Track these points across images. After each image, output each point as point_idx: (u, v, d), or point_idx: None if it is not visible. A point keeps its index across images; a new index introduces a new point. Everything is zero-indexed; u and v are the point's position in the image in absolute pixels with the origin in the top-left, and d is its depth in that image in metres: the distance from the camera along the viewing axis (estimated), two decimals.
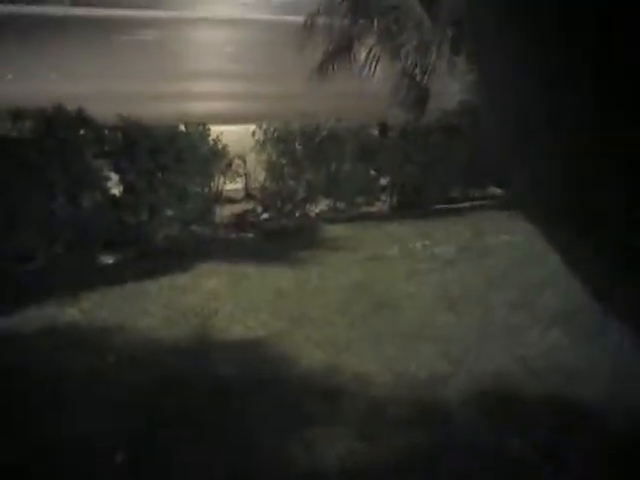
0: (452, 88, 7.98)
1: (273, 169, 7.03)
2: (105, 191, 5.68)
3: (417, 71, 7.66)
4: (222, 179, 6.93)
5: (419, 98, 8.10)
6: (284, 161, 7.05)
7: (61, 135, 5.38)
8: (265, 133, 6.93)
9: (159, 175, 6.02)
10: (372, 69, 7.82)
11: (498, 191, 8.76)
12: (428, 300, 5.06)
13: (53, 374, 3.51)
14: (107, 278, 5.02)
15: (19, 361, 3.68)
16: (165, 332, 4.23)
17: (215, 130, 6.82)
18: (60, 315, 4.36)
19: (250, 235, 6.68)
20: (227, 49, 17.15)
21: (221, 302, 4.83)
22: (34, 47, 12.35)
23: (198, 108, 10.18)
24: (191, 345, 4.10)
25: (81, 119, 5.64)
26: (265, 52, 14.50)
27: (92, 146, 5.68)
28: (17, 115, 5.25)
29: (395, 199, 7.98)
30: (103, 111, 5.90)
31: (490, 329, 4.58)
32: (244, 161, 7.40)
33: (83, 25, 15.61)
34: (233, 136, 7.33)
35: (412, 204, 7.88)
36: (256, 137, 6.92)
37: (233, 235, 6.58)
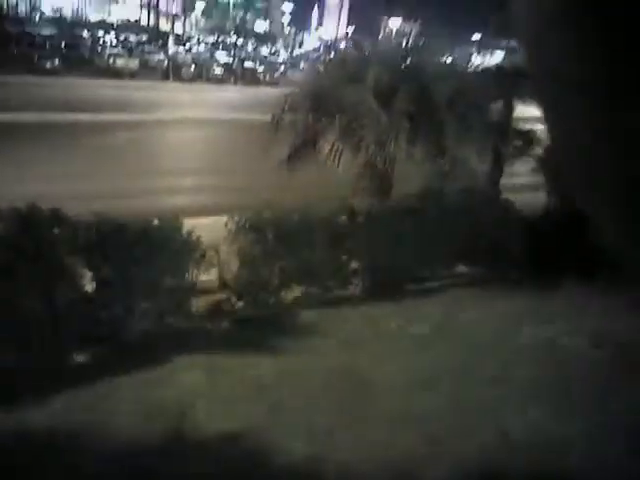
0: (414, 174, 8.43)
1: (246, 258, 7.13)
2: (79, 287, 5.66)
3: (378, 161, 8.09)
4: (196, 270, 6.98)
5: (383, 185, 8.50)
6: (256, 250, 7.18)
7: (35, 234, 5.43)
8: (237, 223, 7.10)
9: (133, 269, 6.04)
10: (336, 160, 8.22)
11: (465, 269, 9.02)
12: (406, 381, 5.07)
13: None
14: (81, 376, 4.91)
15: None
16: (140, 431, 4.11)
17: (188, 223, 6.97)
18: (30, 418, 4.21)
19: (226, 325, 6.66)
20: (197, 147, 17.90)
21: (198, 395, 4.74)
22: (8, 152, 12.68)
23: (170, 203, 10.42)
24: (168, 443, 3.98)
25: (55, 218, 5.73)
26: (233, 148, 15.18)
27: (66, 243, 5.72)
28: None
29: (367, 282, 8.11)
30: (77, 209, 6.01)
31: (469, 406, 4.59)
32: (217, 252, 7.50)
33: (56, 130, 16.18)
34: (206, 228, 7.48)
35: (384, 286, 8.02)
36: (228, 227, 7.07)
37: (209, 325, 6.55)
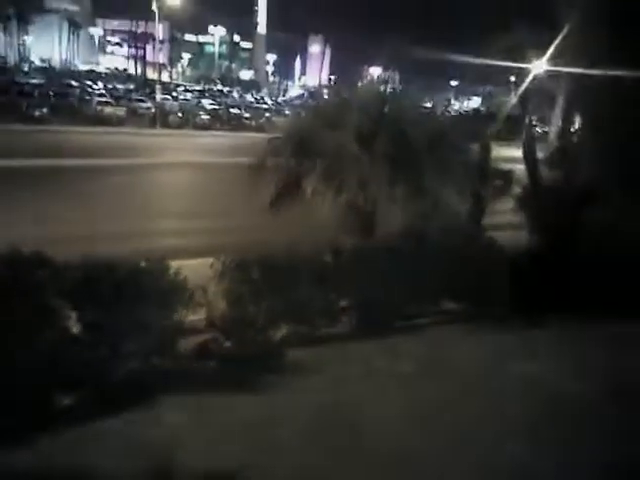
0: (397, 214, 8.65)
1: (232, 298, 7.19)
2: (64, 329, 5.67)
3: (360, 201, 8.31)
4: (184, 310, 7.01)
5: (366, 225, 8.70)
6: (242, 289, 7.25)
7: (17, 277, 5.48)
8: (223, 264, 7.19)
9: (119, 310, 6.07)
10: (320, 201, 8.41)
11: (452, 306, 9.14)
12: (394, 419, 5.11)
13: None
14: (66, 419, 4.88)
15: None
16: (127, 473, 4.09)
17: (176, 264, 7.04)
18: (15, 459, 4.17)
19: (213, 364, 6.66)
20: (184, 190, 18.12)
21: (185, 435, 4.74)
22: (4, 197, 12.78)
23: (158, 245, 10.48)
24: None
25: (39, 260, 5.79)
26: (219, 191, 15.40)
27: (51, 286, 5.76)
28: None
29: (355, 319, 8.19)
30: (63, 252, 6.07)
31: (459, 443, 4.63)
32: (205, 292, 7.55)
33: (44, 175, 16.35)
34: (194, 269, 7.55)
35: (372, 323, 8.09)
36: (214, 268, 7.16)
37: (196, 365, 6.55)
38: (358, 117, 8.61)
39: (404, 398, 5.58)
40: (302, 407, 5.35)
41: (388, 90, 10.79)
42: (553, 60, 15.83)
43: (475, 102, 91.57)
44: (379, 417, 5.11)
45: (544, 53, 15.74)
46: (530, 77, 16.14)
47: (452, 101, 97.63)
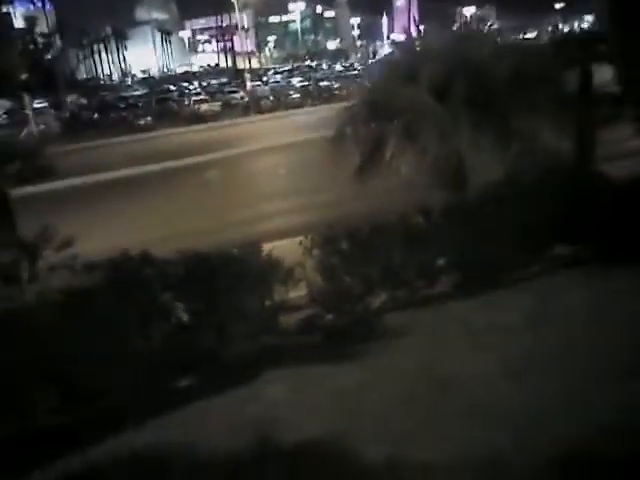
0: (485, 162, 8.19)
1: (326, 271, 7.31)
2: (173, 319, 6.15)
3: (445, 155, 7.96)
4: (284, 288, 7.25)
5: (455, 179, 8.32)
6: (335, 262, 7.34)
7: (128, 276, 5.99)
8: (312, 240, 7.32)
9: (222, 296, 6.43)
10: (403, 162, 8.18)
11: (563, 250, 8.54)
12: (495, 374, 4.95)
13: None
14: (184, 397, 5.33)
15: None
16: (236, 439, 4.38)
17: (277, 244, 7.32)
18: (138, 434, 4.63)
19: (316, 338, 6.86)
20: (279, 171, 18.62)
21: (288, 406, 4.96)
22: (112, 206, 14.09)
23: (260, 229, 10.93)
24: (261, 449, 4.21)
25: (144, 260, 6.28)
26: (312, 167, 15.56)
27: (157, 281, 6.24)
28: (90, 267, 5.95)
29: (454, 278, 7.96)
30: (171, 247, 6.55)
31: (558, 397, 4.38)
32: (303, 268, 7.74)
33: (154, 178, 17.68)
34: (289, 247, 7.77)
35: (473, 280, 7.81)
36: (304, 245, 7.31)
37: (300, 340, 6.78)
38: (430, 67, 8.19)
39: (504, 352, 5.36)
40: (401, 369, 5.38)
41: (472, 29, 10.16)
42: None
43: (588, 22, 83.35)
44: (477, 373, 4.97)
45: None
46: None
47: (560, 25, 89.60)
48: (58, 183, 12.21)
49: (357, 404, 4.89)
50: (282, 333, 6.82)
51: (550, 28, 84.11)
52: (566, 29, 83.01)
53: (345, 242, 7.52)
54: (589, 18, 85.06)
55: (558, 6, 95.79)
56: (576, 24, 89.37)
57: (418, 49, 10.30)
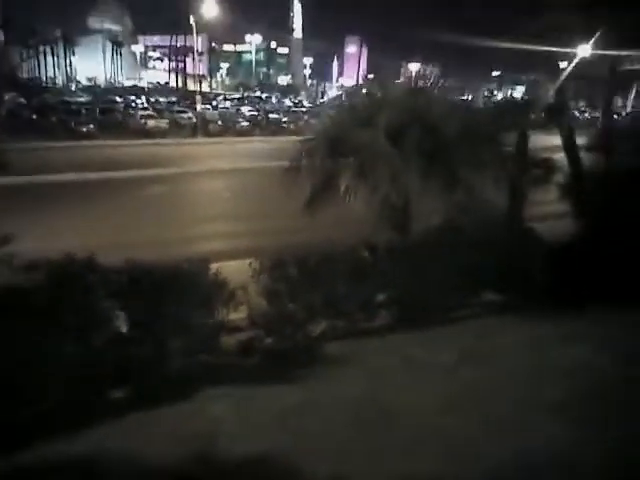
0: (429, 207, 8.71)
1: (272, 295, 7.42)
2: (113, 329, 6.03)
3: (394, 197, 8.38)
4: (225, 309, 7.27)
5: (400, 220, 8.77)
6: (281, 287, 7.47)
7: (71, 281, 5.86)
8: (260, 263, 7.43)
9: (164, 310, 6.38)
10: (353, 199, 8.54)
11: (493, 296, 9.09)
12: (433, 407, 5.18)
13: None
14: (118, 410, 5.20)
15: None
16: (174, 454, 4.35)
17: (217, 265, 7.32)
18: (68, 451, 4.50)
19: (255, 360, 6.89)
20: (224, 195, 18.61)
21: (226, 423, 4.97)
22: (52, 208, 13.58)
23: (201, 248, 10.84)
24: (199, 464, 4.20)
25: (89, 265, 6.17)
26: (257, 194, 15.76)
27: (100, 289, 6.12)
28: (30, 267, 5.78)
29: (393, 313, 8.27)
30: (114, 258, 6.44)
31: (496, 428, 4.66)
32: (245, 291, 7.80)
33: (92, 187, 17.18)
34: (233, 269, 7.82)
35: (411, 316, 8.16)
36: (253, 267, 7.40)
37: (238, 361, 6.79)
38: (387, 114, 8.68)
39: (442, 386, 5.64)
40: (338, 396, 5.51)
41: (420, 85, 10.83)
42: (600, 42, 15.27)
43: (519, 91, 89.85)
44: (415, 405, 5.19)
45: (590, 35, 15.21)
46: (575, 61, 15.67)
47: (495, 92, 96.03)
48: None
49: (294, 425, 4.98)
50: (222, 353, 6.81)
51: (486, 93, 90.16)
52: (499, 96, 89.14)
53: (291, 269, 7.69)
54: (520, 88, 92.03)
55: (495, 74, 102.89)
56: (509, 92, 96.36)
57: (374, 95, 10.84)
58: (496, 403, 5.34)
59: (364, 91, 13.63)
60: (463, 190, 8.90)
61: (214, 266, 7.09)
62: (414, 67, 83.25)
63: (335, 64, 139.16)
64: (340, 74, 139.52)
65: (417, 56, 78.64)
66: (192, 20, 46.89)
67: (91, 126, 32.33)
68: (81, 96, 55.55)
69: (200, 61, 75.17)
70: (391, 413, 5.14)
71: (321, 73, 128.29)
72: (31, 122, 33.10)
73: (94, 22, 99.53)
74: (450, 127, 8.78)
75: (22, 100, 45.05)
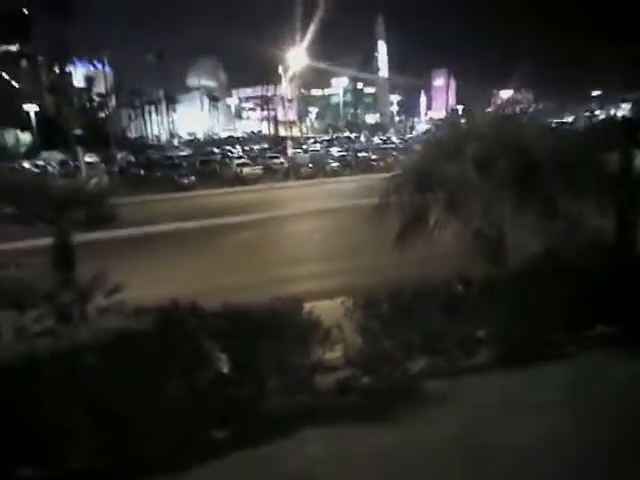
0: (527, 238, 8.34)
1: (366, 333, 7.39)
2: (215, 370, 6.27)
3: (487, 228, 8.13)
4: (321, 348, 7.32)
5: (495, 252, 8.45)
6: (375, 325, 7.42)
7: (176, 325, 6.20)
8: (354, 301, 7.45)
9: (262, 350, 6.55)
10: (444, 232, 8.37)
11: (601, 330, 8.45)
12: (538, 448, 4.88)
13: None
14: (219, 449, 5.36)
15: None
16: None
17: (313, 305, 7.45)
18: None
19: (352, 399, 6.85)
20: (316, 235, 18.99)
21: (324, 464, 4.95)
22: (153, 258, 14.59)
23: (295, 289, 11.08)
24: None
25: (192, 310, 6.50)
26: (349, 233, 15.91)
27: (202, 332, 6.42)
28: (140, 312, 6.20)
29: (494, 350, 7.92)
30: (212, 302, 6.75)
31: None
32: (340, 330, 7.83)
33: (190, 235, 18.31)
34: (328, 309, 7.90)
35: (513, 353, 7.76)
36: (346, 305, 7.43)
37: (336, 401, 6.78)
38: (476, 144, 8.52)
39: (546, 427, 5.28)
40: (438, 436, 5.32)
41: (511, 111, 10.59)
42: None
43: (624, 110, 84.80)
44: (518, 446, 4.89)
45: None
46: None
47: (596, 112, 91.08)
48: (111, 232, 12.76)
49: (393, 465, 4.87)
50: (319, 392, 6.84)
51: (587, 113, 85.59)
52: (602, 115, 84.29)
53: (385, 306, 7.64)
54: (625, 106, 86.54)
55: (595, 93, 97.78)
56: (612, 111, 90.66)
57: (461, 126, 10.72)
58: (597, 446, 4.92)
59: (451, 122, 13.54)
60: (563, 217, 8.47)
61: (308, 305, 7.21)
62: (505, 94, 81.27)
63: (423, 98, 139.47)
64: (428, 108, 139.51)
65: (509, 82, 76.55)
66: (280, 70, 49.32)
67: (192, 178, 34.62)
68: (182, 150, 59.87)
69: (290, 108, 78.62)
70: (490, 452, 4.88)
71: (409, 108, 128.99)
72: (138, 177, 36.11)
73: (192, 80, 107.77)
74: (544, 152, 8.45)
75: (131, 157, 49.33)
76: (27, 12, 79.37)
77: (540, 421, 5.52)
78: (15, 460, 5.31)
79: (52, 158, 50.04)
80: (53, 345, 5.87)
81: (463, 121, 11.36)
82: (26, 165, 44.38)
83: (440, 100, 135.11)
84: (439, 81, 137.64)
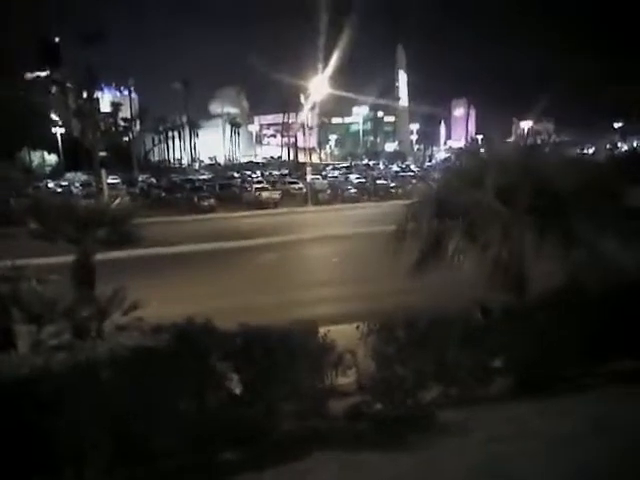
0: (546, 268, 8.26)
1: (380, 360, 7.31)
2: (227, 390, 6.24)
3: (506, 258, 8.06)
4: (334, 373, 7.26)
5: (514, 281, 8.36)
6: (390, 352, 7.35)
7: (190, 343, 6.21)
8: (369, 327, 7.39)
9: (274, 373, 6.52)
10: (462, 260, 8.33)
11: (623, 364, 8.25)
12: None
13: None
14: (228, 471, 5.32)
15: None
16: None
17: (326, 329, 7.41)
18: None
19: (364, 425, 6.75)
20: (332, 260, 19.01)
21: None
22: (171, 276, 14.76)
23: (309, 312, 11.06)
24: None
25: (207, 329, 6.52)
26: (366, 259, 15.90)
27: (216, 351, 6.42)
28: (156, 329, 6.24)
29: (510, 380, 7.78)
30: (226, 322, 6.77)
31: None
32: (353, 355, 7.77)
33: (211, 256, 18.48)
34: (342, 333, 7.86)
35: (529, 384, 7.62)
36: (360, 330, 7.38)
37: (347, 426, 6.69)
38: (496, 173, 8.53)
39: (562, 460, 5.13)
40: (452, 465, 5.22)
41: (532, 142, 10.61)
42: None
43: None
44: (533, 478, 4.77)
45: None
46: None
47: (619, 144, 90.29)
48: (133, 251, 12.95)
49: None
50: (331, 417, 6.76)
51: (608, 145, 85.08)
52: (624, 147, 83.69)
53: (400, 332, 7.56)
54: None
55: (617, 125, 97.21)
56: (635, 143, 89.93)
57: (481, 155, 10.74)
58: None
59: (471, 152, 13.58)
60: (584, 248, 8.37)
61: (322, 329, 7.17)
62: (526, 124, 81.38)
63: (442, 127, 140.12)
64: (448, 137, 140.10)
65: (529, 113, 76.57)
66: (302, 99, 50.05)
67: (212, 200, 35.04)
68: (203, 174, 60.73)
69: (310, 135, 79.49)
70: None
71: (428, 137, 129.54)
72: (160, 199, 36.64)
73: (215, 107, 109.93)
74: (565, 183, 8.41)
75: (153, 180, 50.17)
76: (58, 40, 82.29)
77: (554, 454, 5.38)
78: (29, 472, 5.32)
79: (76, 179, 51.20)
80: (69, 359, 5.90)
81: (483, 150, 11.40)
82: (51, 185, 45.41)
83: (459, 129, 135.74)
84: (459, 110, 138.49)
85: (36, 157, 57.72)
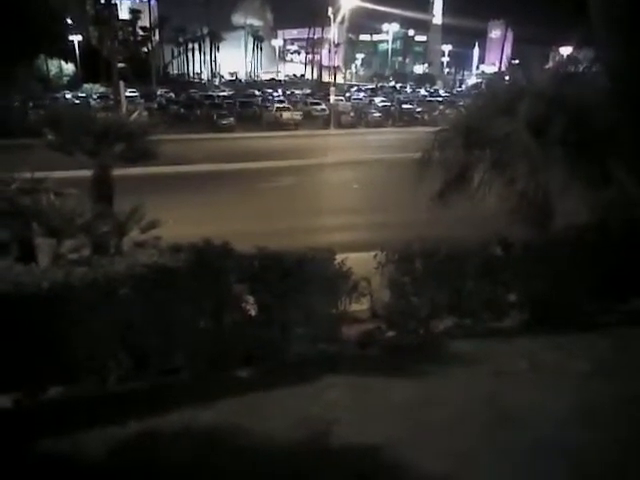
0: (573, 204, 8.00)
1: (396, 288, 7.32)
2: (243, 311, 6.33)
3: (533, 192, 7.80)
4: (348, 300, 7.31)
5: (539, 216, 8.14)
6: (406, 281, 7.34)
7: (208, 264, 6.23)
8: (387, 255, 7.34)
9: (289, 296, 6.57)
10: (487, 192, 8.09)
11: None
12: (558, 414, 4.82)
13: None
14: (241, 386, 5.49)
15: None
16: (288, 436, 4.49)
17: (341, 256, 7.38)
18: (199, 417, 4.76)
19: (375, 352, 6.87)
20: (352, 186, 18.77)
21: (342, 411, 5.02)
22: (189, 196, 14.74)
23: (328, 239, 11.04)
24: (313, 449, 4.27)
25: (225, 251, 6.51)
26: (387, 186, 15.67)
27: (233, 273, 6.45)
28: (175, 249, 6.24)
29: (525, 315, 7.77)
30: (242, 245, 6.75)
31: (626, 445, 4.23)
32: (369, 282, 7.78)
33: (229, 177, 18.36)
34: (358, 261, 7.84)
35: (544, 319, 7.61)
36: (378, 259, 7.33)
37: (359, 352, 6.81)
38: (530, 103, 8.09)
39: (570, 394, 5.20)
40: (458, 394, 5.33)
41: (570, 70, 9.99)
42: None
43: None
44: (538, 410, 4.85)
45: None
46: None
47: None
48: (149, 168, 12.86)
49: (409, 417, 4.92)
50: (343, 342, 6.87)
51: None
52: None
53: (417, 262, 7.51)
54: None
55: None
56: None
57: (515, 82, 10.19)
58: (628, 418, 4.82)
59: (505, 78, 12.90)
60: (615, 187, 8.06)
61: (339, 257, 7.14)
62: (565, 51, 76.63)
63: (476, 50, 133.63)
64: (481, 61, 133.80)
65: (569, 39, 72.07)
66: (330, 12, 47.61)
67: (231, 119, 34.33)
68: (223, 90, 59.20)
69: (336, 53, 76.42)
70: (509, 417, 4.86)
71: (460, 61, 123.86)
72: (178, 115, 36.02)
73: (238, 18, 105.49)
74: (603, 117, 7.96)
75: (171, 95, 49.10)
76: None
77: (563, 390, 5.44)
78: (49, 380, 5.54)
79: (93, 90, 50.38)
80: (89, 274, 5.97)
81: (517, 77, 10.79)
82: (68, 96, 44.81)
83: (494, 53, 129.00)
84: (495, 32, 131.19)
85: (53, 66, 56.51)
